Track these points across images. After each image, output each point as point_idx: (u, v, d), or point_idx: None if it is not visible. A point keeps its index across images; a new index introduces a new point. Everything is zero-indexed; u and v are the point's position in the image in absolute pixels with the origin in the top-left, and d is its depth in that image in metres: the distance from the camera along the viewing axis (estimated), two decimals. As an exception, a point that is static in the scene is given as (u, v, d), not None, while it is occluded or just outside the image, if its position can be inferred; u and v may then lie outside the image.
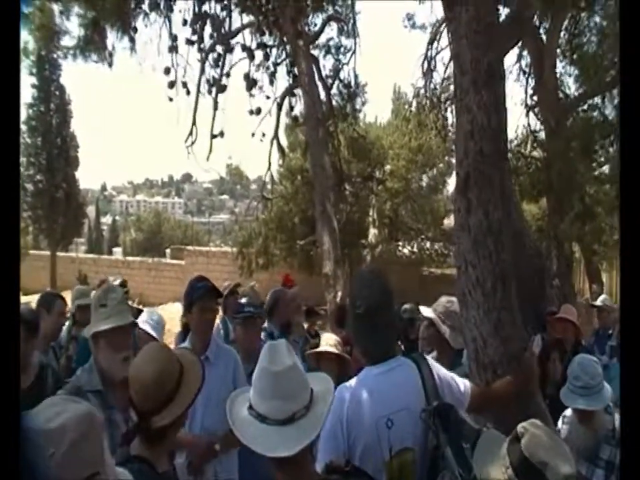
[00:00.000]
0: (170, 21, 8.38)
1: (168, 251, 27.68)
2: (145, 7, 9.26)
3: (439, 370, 2.76)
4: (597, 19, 10.49)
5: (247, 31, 12.41)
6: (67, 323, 5.68)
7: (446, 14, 3.95)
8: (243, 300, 7.07)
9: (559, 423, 4.12)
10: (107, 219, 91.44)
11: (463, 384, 2.85)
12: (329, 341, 4.82)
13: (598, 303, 7.51)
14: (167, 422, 2.31)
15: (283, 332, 6.03)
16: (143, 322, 5.11)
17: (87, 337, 3.34)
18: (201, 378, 2.48)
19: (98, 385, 3.19)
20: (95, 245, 56.78)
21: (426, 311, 4.13)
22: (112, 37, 10.91)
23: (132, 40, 10.45)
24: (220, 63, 8.19)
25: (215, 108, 9.29)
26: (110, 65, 11.49)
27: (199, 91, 11.11)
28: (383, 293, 2.70)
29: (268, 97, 10.71)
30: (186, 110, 12.21)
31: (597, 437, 3.81)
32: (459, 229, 3.58)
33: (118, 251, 41.64)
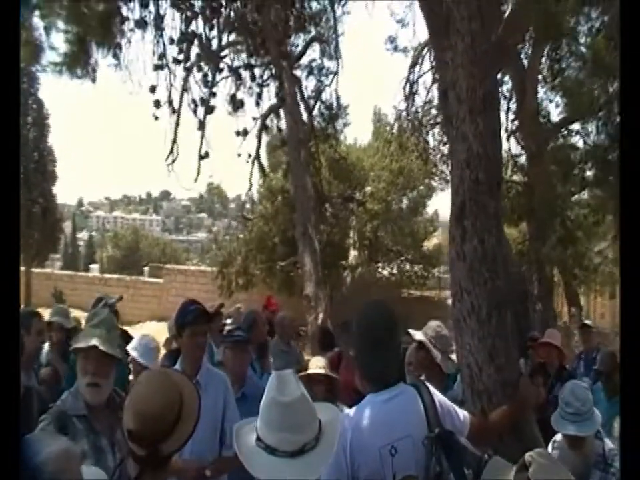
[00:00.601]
0: (159, 39, 8.39)
1: (146, 268, 27.45)
2: (132, 24, 9.24)
3: (440, 398, 2.77)
4: (578, 45, 10.68)
5: (229, 52, 12.50)
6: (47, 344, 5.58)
7: (440, 42, 3.99)
8: (228, 321, 7.08)
9: (549, 447, 4.13)
10: (83, 235, 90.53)
11: (462, 414, 2.85)
12: (317, 363, 4.83)
13: (581, 328, 7.58)
14: (175, 447, 2.27)
15: (259, 354, 5.99)
16: (132, 349, 5.04)
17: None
18: (198, 400, 2.44)
19: (83, 409, 3.12)
20: (70, 261, 56.19)
21: (417, 335, 4.13)
22: (96, 53, 10.90)
23: (116, 57, 10.44)
24: (208, 83, 8.20)
25: (202, 128, 9.28)
26: (93, 80, 11.44)
27: (179, 109, 11.14)
28: (393, 322, 2.73)
29: (255, 118, 10.73)
30: (167, 127, 12.25)
31: (587, 462, 3.84)
32: (454, 257, 3.60)
33: (95, 267, 41.19)
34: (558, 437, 4.09)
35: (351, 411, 2.63)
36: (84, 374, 3.14)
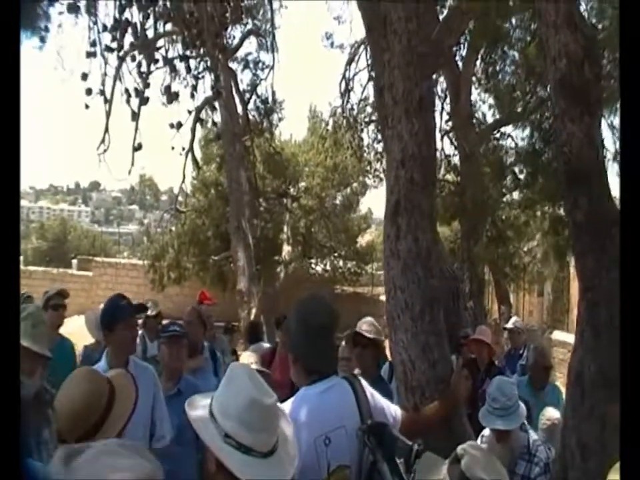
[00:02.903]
0: (93, 25, 8.15)
1: (74, 261, 26.69)
2: (63, 7, 8.94)
3: (372, 392, 2.82)
4: (511, 50, 10.96)
5: (164, 42, 12.27)
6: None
7: (377, 42, 4.04)
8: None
9: (478, 441, 4.25)
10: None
11: (394, 408, 2.91)
12: (249, 359, 4.84)
13: (509, 325, 7.79)
14: None
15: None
16: None
17: None
18: (134, 397, 2.41)
19: None
20: (-8, 253, 54.20)
21: (369, 333, 4.23)
22: (22, 36, 10.53)
23: (42, 40, 10.09)
24: (142, 74, 8.00)
25: (136, 119, 9.05)
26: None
27: (112, 99, 10.86)
28: (331, 314, 2.77)
29: (190, 112, 10.54)
30: (98, 117, 11.93)
31: (513, 454, 3.97)
32: (388, 254, 3.65)
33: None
34: (486, 431, 4.22)
35: (285, 405, 2.65)
36: None
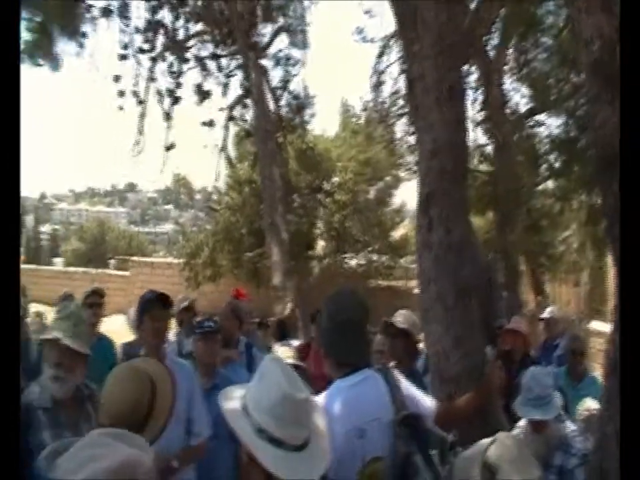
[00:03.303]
0: (125, 28, 8.27)
1: (112, 261, 27.08)
2: (97, 12, 9.09)
3: (406, 383, 2.83)
4: (544, 37, 10.78)
5: (195, 41, 12.35)
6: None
7: (408, 34, 4.01)
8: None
9: (514, 433, 4.22)
10: (46, 228, 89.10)
11: (428, 400, 2.90)
12: (285, 354, 4.87)
13: (545, 315, 7.67)
14: (149, 441, 2.27)
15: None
16: None
17: None
18: (172, 390, 2.44)
19: (48, 402, 3.09)
20: (33, 255, 55.30)
21: (400, 324, 4.22)
22: (60, 42, 10.68)
23: (80, 45, 10.25)
24: (174, 74, 8.10)
25: (169, 119, 9.18)
26: (56, 69, 11.24)
27: (145, 99, 10.99)
28: (363, 307, 2.78)
29: (221, 109, 10.64)
30: (132, 119, 12.07)
31: (549, 445, 3.94)
32: (421, 246, 3.64)
33: (59, 261, 40.51)
34: (522, 422, 4.19)
35: (319, 398, 2.66)
36: (48, 366, 3.12)
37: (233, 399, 2.08)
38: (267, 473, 1.91)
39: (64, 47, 10.51)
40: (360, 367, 2.74)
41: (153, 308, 3.80)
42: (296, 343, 6.99)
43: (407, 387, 2.83)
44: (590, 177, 9.08)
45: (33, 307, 8.78)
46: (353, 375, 2.70)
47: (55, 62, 11.33)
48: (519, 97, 13.57)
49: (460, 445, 2.49)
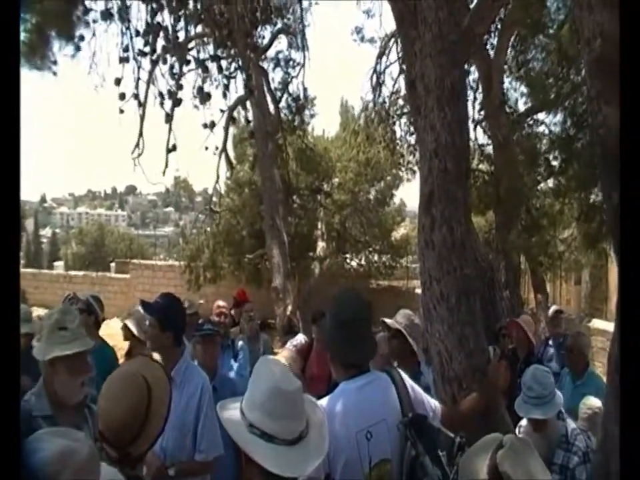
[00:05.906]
0: (125, 31, 8.24)
1: (112, 264, 27.09)
2: (96, 15, 9.06)
3: (412, 384, 2.82)
4: (542, 37, 10.77)
5: (195, 43, 12.35)
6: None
7: (408, 33, 4.00)
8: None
9: (516, 432, 4.21)
10: (46, 232, 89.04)
11: (434, 402, 2.91)
12: (283, 353, 4.90)
13: (551, 311, 7.66)
14: (144, 449, 2.27)
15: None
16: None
17: (41, 360, 3.20)
18: (168, 395, 2.42)
19: (48, 409, 3.07)
20: (33, 259, 55.27)
21: (394, 323, 4.18)
22: (57, 45, 10.64)
23: (78, 48, 10.20)
24: (175, 76, 8.09)
25: (170, 121, 9.16)
26: (54, 73, 11.19)
27: (145, 102, 10.97)
28: (367, 309, 2.77)
29: (222, 111, 10.62)
30: (131, 121, 12.04)
31: (551, 443, 3.93)
32: (423, 245, 3.64)
33: (59, 265, 40.47)
34: (523, 421, 4.19)
35: (323, 401, 2.65)
36: (77, 375, 3.09)
37: (230, 409, 2.10)
38: (264, 470, 1.91)
39: (63, 50, 10.48)
40: (366, 368, 2.73)
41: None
42: (301, 336, 7.03)
43: (414, 388, 2.83)
44: (588, 175, 9.08)
45: (34, 311, 8.76)
46: (359, 377, 2.70)
47: (53, 65, 11.30)
48: (518, 95, 13.59)
49: (468, 446, 2.47)
